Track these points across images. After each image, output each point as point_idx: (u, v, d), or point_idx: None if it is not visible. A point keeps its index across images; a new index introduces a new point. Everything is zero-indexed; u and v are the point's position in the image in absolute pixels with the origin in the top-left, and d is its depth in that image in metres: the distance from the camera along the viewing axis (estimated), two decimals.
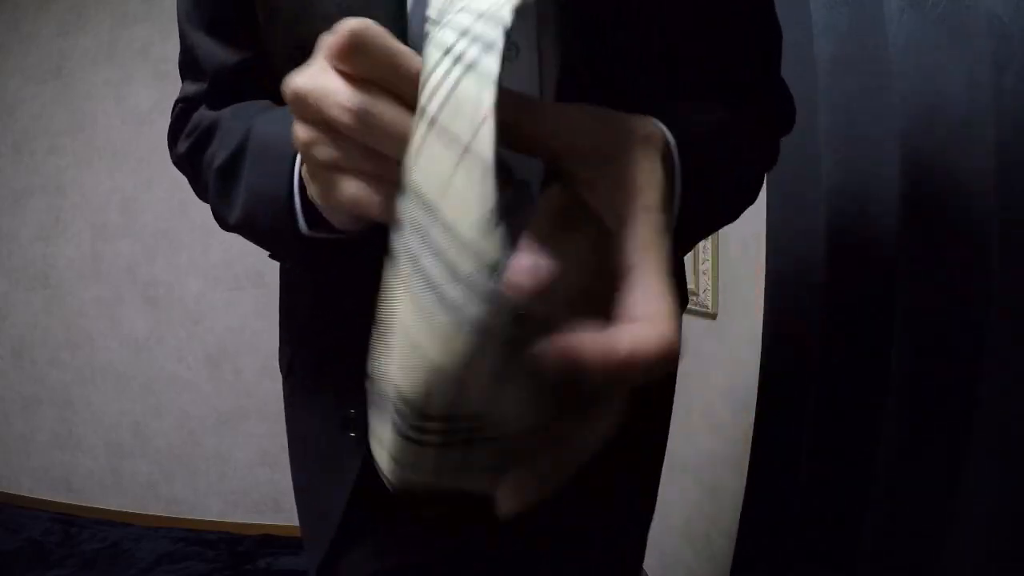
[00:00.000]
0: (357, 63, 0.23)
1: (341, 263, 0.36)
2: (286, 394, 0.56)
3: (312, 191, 0.28)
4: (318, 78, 0.24)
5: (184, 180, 0.47)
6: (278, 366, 0.56)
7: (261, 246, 0.39)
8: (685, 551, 1.53)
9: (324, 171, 0.26)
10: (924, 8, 0.64)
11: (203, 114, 0.44)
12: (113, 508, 2.16)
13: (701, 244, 1.40)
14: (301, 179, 0.31)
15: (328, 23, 0.24)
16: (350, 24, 0.22)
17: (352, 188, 0.25)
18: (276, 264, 0.52)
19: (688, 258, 1.42)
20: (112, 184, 2.10)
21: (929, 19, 0.64)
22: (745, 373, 1.26)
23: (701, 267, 1.41)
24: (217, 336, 2.11)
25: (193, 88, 0.47)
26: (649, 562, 1.65)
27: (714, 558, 1.41)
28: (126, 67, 2.06)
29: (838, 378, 0.81)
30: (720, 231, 1.35)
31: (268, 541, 1.99)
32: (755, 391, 1.04)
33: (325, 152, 0.25)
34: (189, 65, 0.47)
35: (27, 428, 2.22)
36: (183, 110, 0.47)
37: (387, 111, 0.23)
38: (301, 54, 0.26)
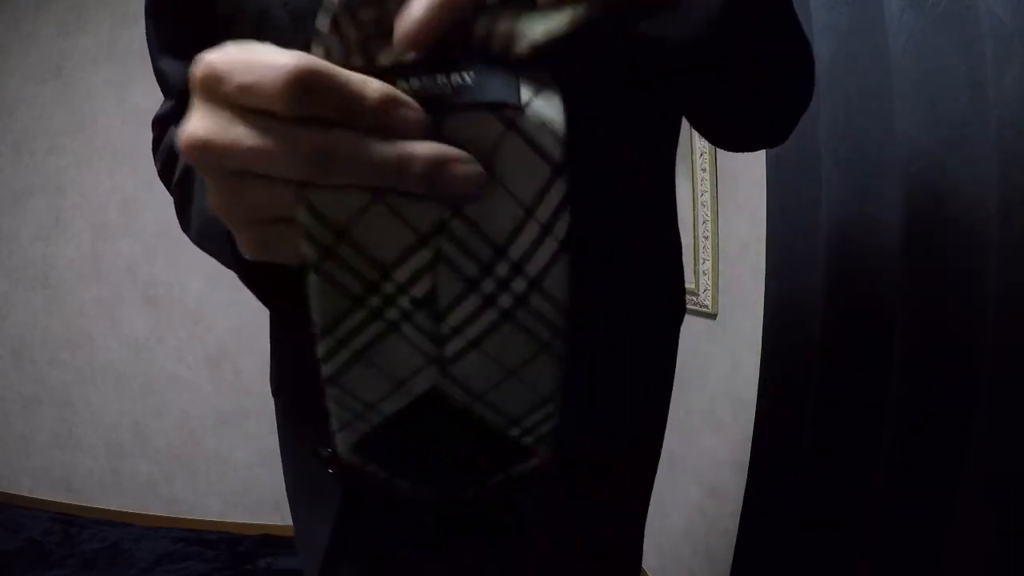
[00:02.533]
0: (307, 105, 0.18)
1: (293, 294, 0.35)
2: (276, 411, 0.56)
3: (243, 246, 0.23)
4: (267, 134, 0.19)
5: None
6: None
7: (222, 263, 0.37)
8: (685, 551, 1.53)
9: (257, 225, 0.22)
10: (924, 8, 0.64)
11: (172, 132, 0.45)
12: (113, 508, 2.15)
13: (701, 244, 1.40)
14: None
15: (283, 34, 0.22)
16: (287, 62, 0.18)
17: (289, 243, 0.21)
18: None
19: (688, 258, 1.42)
20: (112, 184, 2.10)
21: (929, 19, 0.64)
22: (745, 373, 1.26)
23: (701, 267, 1.41)
24: (217, 336, 2.11)
25: (165, 106, 0.48)
26: (649, 562, 1.65)
27: (714, 558, 1.41)
28: (126, 67, 2.05)
29: (838, 378, 0.81)
30: (720, 232, 1.35)
31: (268, 541, 1.99)
32: (755, 391, 1.04)
33: (263, 200, 0.21)
34: (160, 84, 0.49)
35: (27, 428, 2.22)
36: (160, 129, 0.49)
37: (352, 147, 0.19)
38: None
